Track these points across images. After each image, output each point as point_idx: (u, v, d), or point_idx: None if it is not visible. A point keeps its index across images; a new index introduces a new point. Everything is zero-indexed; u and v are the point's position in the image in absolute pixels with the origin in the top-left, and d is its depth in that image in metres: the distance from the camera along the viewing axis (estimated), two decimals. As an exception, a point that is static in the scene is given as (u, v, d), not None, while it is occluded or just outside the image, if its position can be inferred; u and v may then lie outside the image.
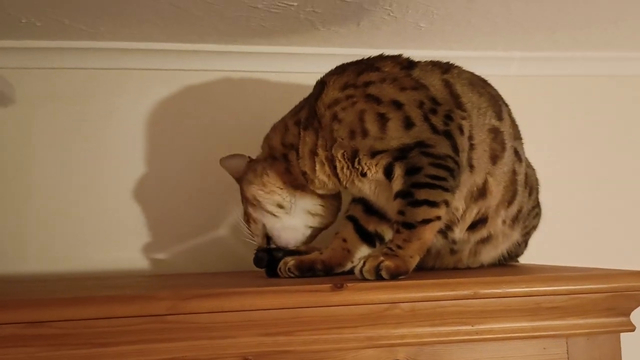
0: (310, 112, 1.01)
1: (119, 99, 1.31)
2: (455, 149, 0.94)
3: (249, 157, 1.10)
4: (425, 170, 0.91)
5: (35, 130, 1.28)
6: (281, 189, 1.04)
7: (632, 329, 0.92)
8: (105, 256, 1.28)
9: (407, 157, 0.93)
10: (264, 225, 1.06)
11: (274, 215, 1.04)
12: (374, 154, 0.94)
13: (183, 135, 1.33)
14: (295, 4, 1.10)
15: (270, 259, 1.02)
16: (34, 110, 1.29)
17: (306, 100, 1.07)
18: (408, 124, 0.94)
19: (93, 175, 1.30)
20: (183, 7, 1.10)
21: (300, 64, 1.35)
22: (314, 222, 1.07)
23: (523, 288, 0.87)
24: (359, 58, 1.06)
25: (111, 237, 1.29)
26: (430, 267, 1.06)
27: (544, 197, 1.16)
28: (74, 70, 1.30)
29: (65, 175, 1.29)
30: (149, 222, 1.31)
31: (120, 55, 1.29)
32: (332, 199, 1.07)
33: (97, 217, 1.29)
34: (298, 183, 1.04)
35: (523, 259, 1.18)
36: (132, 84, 1.32)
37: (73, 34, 1.21)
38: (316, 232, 1.08)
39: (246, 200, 1.07)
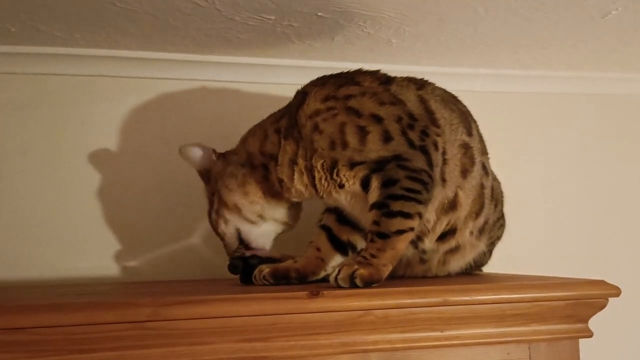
0: (291, 122, 1.04)
1: (93, 106, 1.31)
2: (430, 163, 0.98)
3: (213, 150, 1.11)
4: (402, 183, 0.95)
5: (8, 137, 1.27)
6: (261, 198, 1.06)
7: (590, 335, 0.97)
8: (78, 264, 1.27)
9: (384, 170, 0.96)
10: (237, 229, 1.08)
11: (252, 222, 1.07)
12: (352, 165, 0.97)
13: (157, 144, 1.34)
14: (273, 17, 1.12)
15: (245, 266, 1.03)
16: (7, 116, 1.27)
17: (287, 108, 1.09)
18: (387, 137, 0.98)
19: (66, 183, 1.29)
20: (160, 17, 1.11)
21: (276, 76, 1.38)
22: (283, 228, 1.11)
23: (489, 296, 0.91)
24: (334, 71, 1.10)
25: (83, 244, 1.28)
26: (401, 275, 1.09)
27: (507, 209, 1.21)
28: (48, 77, 1.29)
29: (37, 183, 1.28)
30: (122, 230, 1.31)
31: (95, 62, 1.29)
32: (298, 207, 1.11)
33: (69, 224, 1.28)
34: (274, 191, 1.06)
35: (487, 268, 1.22)
36: (106, 92, 1.32)
37: (47, 40, 1.21)
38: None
39: (222, 204, 1.08)
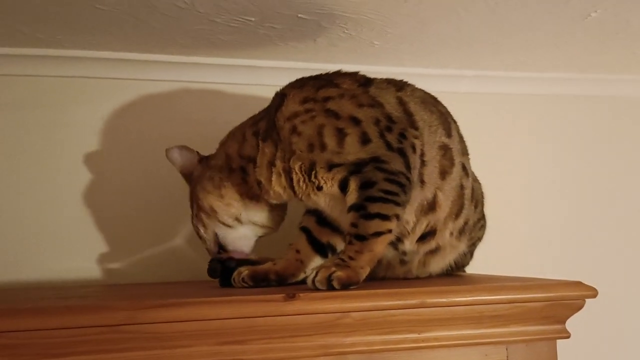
0: (270, 124, 1.04)
1: (75, 108, 1.31)
2: (408, 166, 0.98)
3: (198, 153, 1.12)
4: (379, 185, 0.95)
5: (-11, 138, 1.27)
6: (237, 201, 1.06)
7: (567, 336, 0.98)
8: (60, 266, 1.27)
9: (362, 172, 0.96)
10: (216, 234, 1.08)
11: (229, 226, 1.07)
12: (330, 167, 0.98)
13: (140, 145, 1.34)
14: (254, 19, 1.12)
15: (223, 269, 1.03)
16: (-12, 117, 1.27)
17: (265, 111, 1.09)
18: (365, 140, 0.98)
19: (48, 184, 1.29)
20: (142, 19, 1.11)
21: (259, 77, 1.38)
22: (263, 231, 1.11)
23: (467, 297, 0.92)
24: (317, 72, 1.09)
25: (65, 246, 1.28)
26: (381, 277, 1.09)
27: (488, 210, 1.22)
28: (30, 78, 1.28)
29: (19, 184, 1.27)
30: (104, 232, 1.31)
31: (78, 63, 1.29)
32: (280, 210, 1.10)
33: (51, 226, 1.28)
34: (253, 193, 1.06)
35: (469, 269, 1.23)
36: (89, 93, 1.31)
37: (30, 41, 1.21)
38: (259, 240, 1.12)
39: (200, 208, 1.08)
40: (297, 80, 1.07)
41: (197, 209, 1.10)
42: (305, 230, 1.07)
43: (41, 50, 1.25)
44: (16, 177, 1.28)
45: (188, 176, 1.13)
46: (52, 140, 1.30)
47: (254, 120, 1.09)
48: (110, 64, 1.30)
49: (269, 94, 1.11)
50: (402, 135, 0.99)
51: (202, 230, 1.10)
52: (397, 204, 0.95)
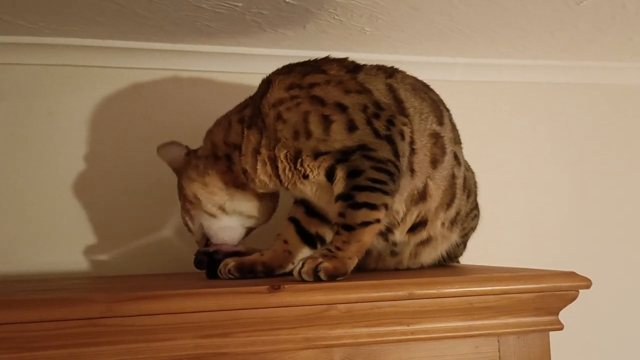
0: (255, 111, 1.02)
1: (61, 97, 1.28)
2: (396, 153, 0.96)
3: (187, 147, 1.10)
4: (367, 173, 0.93)
5: (-28, 128, 1.25)
6: (221, 190, 1.04)
7: (560, 327, 0.95)
8: (46, 258, 1.25)
9: (349, 160, 0.94)
10: (201, 225, 1.06)
11: (213, 215, 1.05)
12: (316, 155, 0.95)
13: (127, 135, 1.31)
14: (240, 4, 1.10)
15: (210, 260, 1.01)
16: (-28, 107, 1.25)
17: (251, 98, 1.07)
18: (351, 127, 0.96)
19: (33, 175, 1.26)
20: (127, 6, 1.09)
21: (249, 65, 1.35)
22: (250, 222, 1.08)
23: (457, 288, 0.90)
24: (307, 59, 1.07)
25: (52, 238, 1.26)
26: (372, 269, 1.07)
27: (483, 199, 1.20)
28: (15, 66, 1.26)
29: (4, 175, 1.25)
30: (91, 223, 1.28)
31: (61, 51, 1.26)
32: (270, 200, 1.08)
33: (38, 218, 1.26)
34: (239, 182, 1.04)
35: (463, 260, 1.21)
36: (75, 82, 1.29)
37: (13, 29, 1.18)
38: (250, 231, 1.09)
39: (185, 198, 1.07)
40: (284, 67, 1.05)
41: (183, 200, 1.08)
42: (293, 220, 1.04)
43: (24, 38, 1.23)
44: (0, 168, 1.25)
45: (178, 170, 1.11)
46: (35, 130, 1.27)
47: (240, 107, 1.07)
48: (95, 52, 1.28)
49: (259, 81, 1.08)
50: (390, 122, 0.97)
51: (189, 222, 1.08)
52: (386, 192, 0.93)
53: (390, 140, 0.95)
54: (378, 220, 0.93)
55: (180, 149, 1.10)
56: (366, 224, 0.92)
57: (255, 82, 1.09)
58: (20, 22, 1.15)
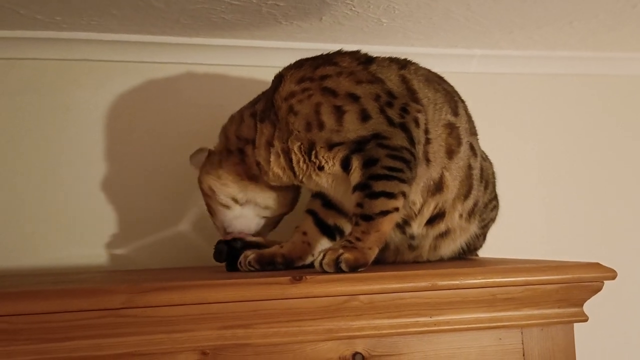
0: (267, 105, 1.01)
1: (77, 92, 1.29)
2: (411, 141, 0.95)
3: (209, 149, 1.10)
4: (382, 162, 0.92)
5: (-9, 123, 1.25)
6: (234, 182, 1.04)
7: (585, 319, 0.94)
8: (66, 252, 1.25)
9: (364, 150, 0.93)
10: (218, 216, 1.07)
11: (226, 206, 1.05)
12: (331, 146, 0.95)
13: (144, 129, 1.31)
14: (256, -4, 1.09)
15: (229, 252, 1.01)
16: (-11, 102, 1.25)
17: (264, 93, 1.07)
18: (364, 116, 0.95)
19: (52, 170, 1.27)
20: (143, -1, 1.09)
21: (264, 58, 1.34)
22: (267, 212, 1.08)
23: (479, 279, 0.88)
24: (321, 53, 1.06)
25: (71, 233, 1.26)
26: (391, 262, 1.06)
27: (502, 191, 1.18)
28: (31, 61, 1.26)
29: (23, 170, 1.25)
30: (109, 218, 1.28)
31: (78, 46, 1.26)
32: (287, 190, 1.07)
33: (57, 213, 1.26)
34: (252, 174, 1.04)
35: (483, 252, 1.20)
36: (91, 76, 1.29)
37: (29, 24, 1.18)
38: (272, 221, 1.09)
39: (202, 191, 1.08)
40: (296, 62, 1.05)
41: (203, 194, 1.09)
42: (311, 212, 1.04)
43: (40, 32, 1.23)
44: (19, 163, 1.25)
45: None
46: (53, 124, 1.27)
47: (252, 102, 1.07)
48: (111, 46, 1.28)
49: (273, 75, 1.08)
50: (404, 110, 0.96)
51: (211, 217, 1.09)
52: (402, 180, 0.92)
53: (404, 128, 0.94)
54: (396, 209, 0.92)
55: (204, 153, 1.10)
56: (384, 213, 0.91)
57: (270, 75, 1.09)
58: (37, 16, 1.15)
